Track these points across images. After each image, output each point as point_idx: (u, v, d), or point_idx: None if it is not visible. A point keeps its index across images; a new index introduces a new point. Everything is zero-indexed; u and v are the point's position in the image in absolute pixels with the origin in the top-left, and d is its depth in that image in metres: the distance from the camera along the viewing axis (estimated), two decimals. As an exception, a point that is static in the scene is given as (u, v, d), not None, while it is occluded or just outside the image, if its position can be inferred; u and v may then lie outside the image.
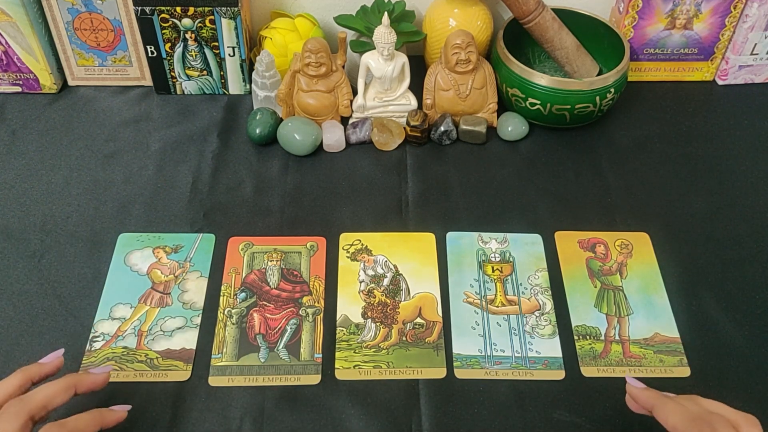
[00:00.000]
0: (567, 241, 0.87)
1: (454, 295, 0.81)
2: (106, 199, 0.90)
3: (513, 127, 0.99)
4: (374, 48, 0.95)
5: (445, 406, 0.72)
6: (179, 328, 0.77)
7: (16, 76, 1.01)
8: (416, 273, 0.83)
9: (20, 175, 0.92)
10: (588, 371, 0.75)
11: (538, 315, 0.80)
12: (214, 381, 0.73)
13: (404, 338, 0.77)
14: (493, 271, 0.83)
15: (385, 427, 0.70)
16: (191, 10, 0.95)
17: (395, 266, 0.84)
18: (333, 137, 0.96)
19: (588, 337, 0.78)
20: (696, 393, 0.73)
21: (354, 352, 0.76)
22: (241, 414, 0.71)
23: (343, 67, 0.99)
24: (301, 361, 0.75)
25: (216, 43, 0.99)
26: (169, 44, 0.99)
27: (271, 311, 0.79)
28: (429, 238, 0.86)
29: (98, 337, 0.76)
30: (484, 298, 0.81)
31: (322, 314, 0.79)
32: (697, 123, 1.04)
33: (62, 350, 0.66)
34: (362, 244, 0.86)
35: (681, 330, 0.78)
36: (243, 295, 0.80)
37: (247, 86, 1.05)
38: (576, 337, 0.78)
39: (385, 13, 0.93)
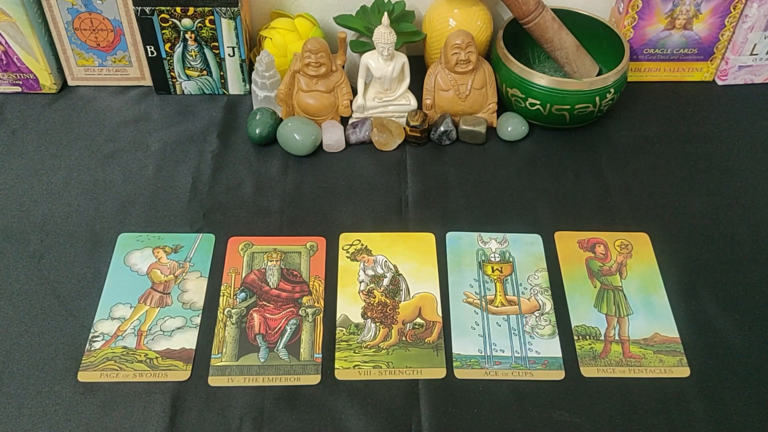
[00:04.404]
0: (567, 241, 0.87)
1: (453, 295, 0.81)
2: (106, 199, 0.90)
3: (513, 127, 0.99)
4: (374, 48, 0.95)
5: (445, 406, 0.72)
6: (179, 328, 0.77)
7: (16, 76, 1.01)
8: (416, 273, 0.83)
9: (20, 175, 0.92)
10: (588, 371, 0.75)
11: (537, 315, 0.80)
12: (213, 381, 0.73)
13: (404, 338, 0.77)
14: (493, 271, 0.83)
15: (385, 427, 0.70)
16: (191, 10, 0.95)
17: (395, 266, 0.84)
18: (333, 137, 0.96)
19: (588, 337, 0.78)
20: (696, 393, 0.73)
21: (354, 352, 0.76)
22: (240, 414, 0.71)
23: (343, 67, 0.99)
24: (300, 361, 0.75)
25: (216, 43, 0.99)
26: (168, 44, 0.99)
27: (270, 311, 0.79)
28: (429, 238, 0.86)
29: (98, 336, 0.76)
30: (484, 298, 0.81)
31: (321, 314, 0.79)
32: (697, 123, 1.04)
33: None
34: (362, 244, 0.85)
35: (681, 330, 0.78)
36: (243, 295, 0.80)
37: (247, 86, 1.05)
38: (576, 338, 0.78)
39: (385, 13, 0.93)
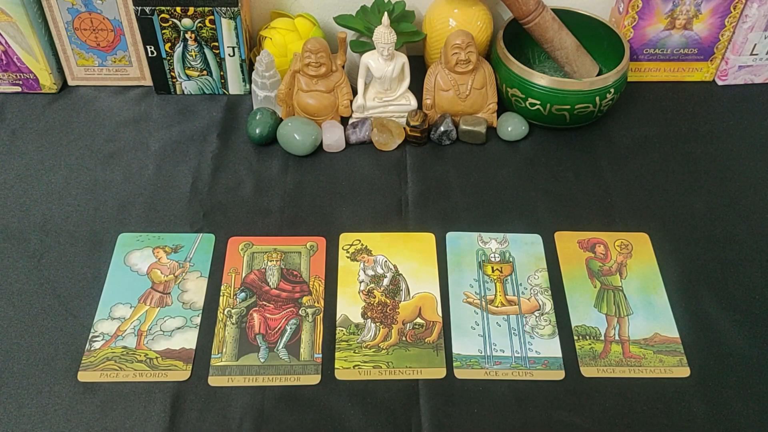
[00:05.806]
0: (567, 241, 0.87)
1: (453, 295, 0.81)
2: (106, 199, 0.90)
3: (513, 127, 0.99)
4: (374, 48, 0.95)
5: (445, 406, 0.72)
6: (179, 328, 0.77)
7: (16, 76, 1.01)
8: (416, 273, 0.83)
9: (20, 175, 0.92)
10: (588, 371, 0.75)
11: (537, 315, 0.80)
12: (213, 381, 0.73)
13: (404, 338, 0.77)
14: (493, 271, 0.83)
15: (385, 427, 0.70)
16: (191, 10, 0.95)
17: (395, 266, 0.84)
18: (333, 137, 0.96)
19: (588, 337, 0.78)
20: (696, 393, 0.73)
21: (354, 352, 0.76)
22: (240, 414, 0.71)
23: (343, 67, 0.99)
24: (300, 361, 0.75)
25: (216, 43, 0.99)
26: (169, 44, 0.99)
27: (270, 311, 0.79)
28: (429, 238, 0.86)
29: (98, 336, 0.76)
30: (484, 298, 0.81)
31: (321, 314, 0.79)
32: (697, 123, 1.04)
33: None
34: (362, 244, 0.86)
35: (681, 330, 0.78)
36: (243, 295, 0.80)
37: (247, 86, 1.05)
38: (576, 338, 0.78)
39: (385, 13, 0.93)
